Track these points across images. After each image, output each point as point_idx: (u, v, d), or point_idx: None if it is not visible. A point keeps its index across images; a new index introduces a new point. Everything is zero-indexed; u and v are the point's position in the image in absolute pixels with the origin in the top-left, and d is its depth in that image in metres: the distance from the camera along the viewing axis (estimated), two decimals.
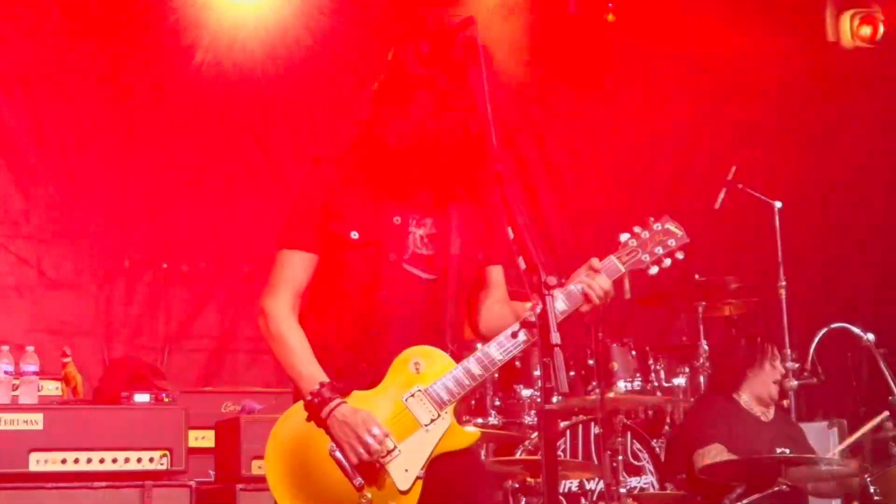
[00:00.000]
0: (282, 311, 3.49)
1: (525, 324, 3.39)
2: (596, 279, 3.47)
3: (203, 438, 6.42)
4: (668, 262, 3.55)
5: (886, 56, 9.18)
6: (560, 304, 3.40)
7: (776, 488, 5.36)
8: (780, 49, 8.95)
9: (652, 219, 3.57)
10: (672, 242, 3.56)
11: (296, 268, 3.52)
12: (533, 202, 8.51)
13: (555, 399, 3.22)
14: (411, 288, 3.48)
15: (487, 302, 3.69)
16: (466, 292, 3.60)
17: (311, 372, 3.43)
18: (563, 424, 6.53)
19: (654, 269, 3.56)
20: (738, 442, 5.90)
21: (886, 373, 6.01)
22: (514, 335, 3.43)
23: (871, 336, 6.03)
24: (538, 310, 3.12)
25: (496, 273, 3.68)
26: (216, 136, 7.84)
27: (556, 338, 3.12)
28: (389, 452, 3.39)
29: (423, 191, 3.55)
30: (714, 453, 5.90)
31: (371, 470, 3.39)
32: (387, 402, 3.41)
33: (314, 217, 3.50)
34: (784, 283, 7.08)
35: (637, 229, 3.56)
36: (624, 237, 3.55)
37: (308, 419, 3.41)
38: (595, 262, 3.51)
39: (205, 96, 7.71)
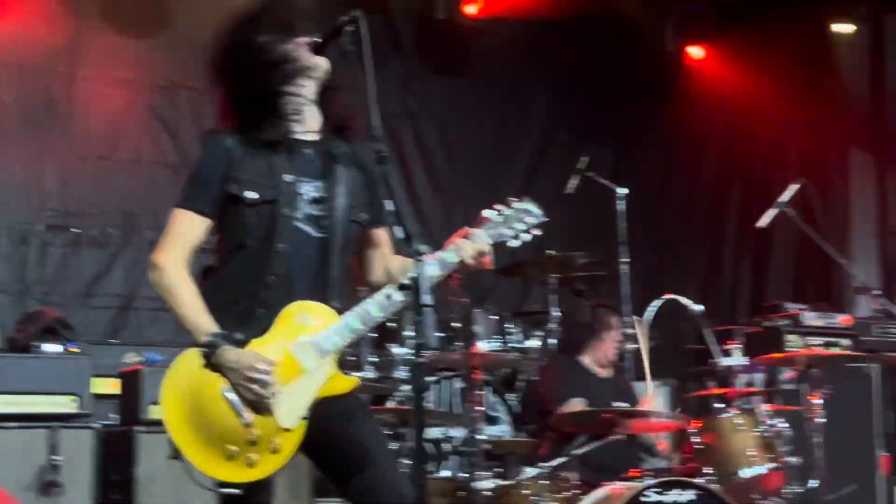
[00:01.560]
0: (172, 265, 3.44)
1: (401, 287, 3.40)
2: (469, 242, 3.50)
3: (108, 386, 6.33)
4: (527, 237, 3.59)
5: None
6: (433, 269, 3.41)
7: (613, 437, 5.49)
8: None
9: (513, 199, 3.61)
10: (531, 220, 3.60)
11: (187, 227, 3.47)
12: (408, 183, 8.52)
13: (424, 354, 3.23)
14: (303, 244, 3.46)
15: (374, 259, 3.69)
16: (352, 251, 3.59)
17: (202, 322, 3.39)
18: (430, 379, 6.57)
19: (514, 243, 3.59)
20: (581, 397, 6.01)
21: (710, 339, 6.16)
22: (391, 297, 3.44)
23: (698, 307, 6.16)
24: (413, 274, 3.15)
25: (381, 234, 3.67)
26: (127, 112, 7.75)
27: (427, 299, 3.14)
28: (276, 394, 3.37)
29: (313, 158, 3.53)
30: (574, 406, 5.98)
31: (259, 409, 3.37)
32: (274, 349, 3.40)
33: (210, 182, 3.47)
34: (625, 260, 7.18)
35: (500, 207, 3.59)
36: (489, 213, 3.57)
37: (201, 365, 3.38)
38: (469, 230, 3.55)
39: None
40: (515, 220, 3.57)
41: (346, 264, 3.55)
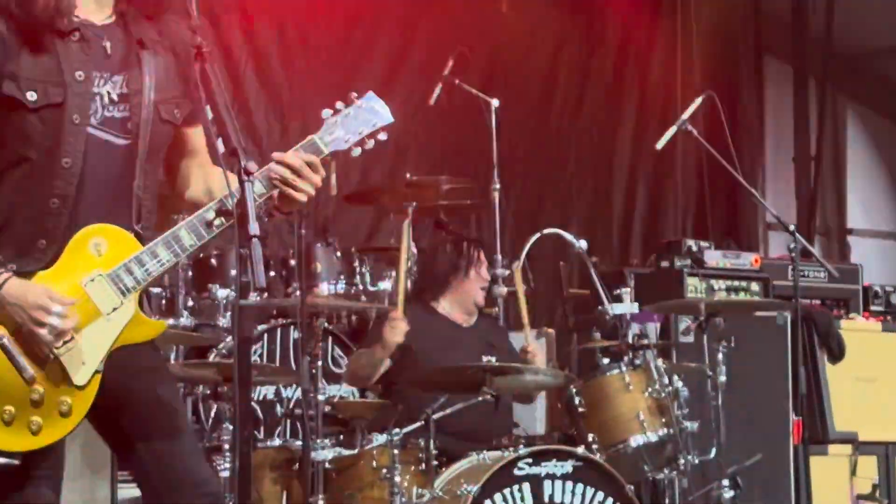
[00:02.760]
0: None
1: (222, 212, 3.35)
2: (287, 156, 3.43)
3: None
4: (370, 143, 3.55)
5: None
6: (258, 186, 3.36)
7: (480, 398, 5.52)
8: None
9: (354, 94, 3.56)
10: (376, 122, 3.56)
11: None
12: (236, 84, 8.39)
13: (252, 296, 3.19)
14: (99, 155, 3.35)
15: (189, 171, 3.61)
16: (160, 158, 3.51)
17: None
18: (260, 328, 6.53)
19: (356, 151, 3.55)
20: (439, 351, 6.02)
21: (597, 282, 6.21)
22: (210, 224, 3.37)
23: (583, 243, 6.22)
24: (237, 197, 3.11)
25: (196, 137, 3.59)
26: None
27: (254, 228, 3.10)
28: (66, 343, 3.30)
29: (113, 46, 3.43)
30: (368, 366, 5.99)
31: (44, 361, 3.28)
32: (64, 286, 3.31)
33: None
34: (498, 186, 7.21)
35: (340, 105, 3.54)
36: (325, 113, 3.52)
37: None
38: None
39: None
40: (358, 123, 3.53)
41: (153, 178, 3.47)
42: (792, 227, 6.44)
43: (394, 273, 6.83)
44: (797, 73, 10.28)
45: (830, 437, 6.95)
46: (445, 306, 6.28)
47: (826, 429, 6.95)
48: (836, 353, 7.02)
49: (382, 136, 3.57)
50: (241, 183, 3.14)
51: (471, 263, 6.28)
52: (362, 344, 6.13)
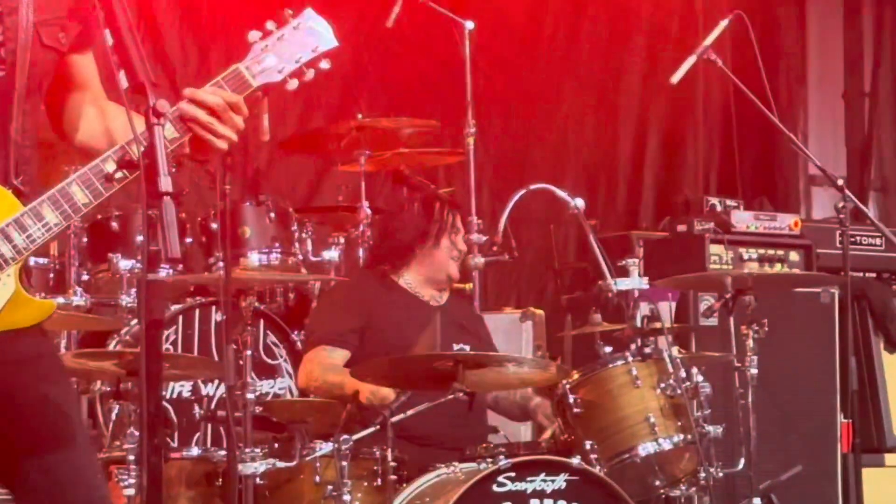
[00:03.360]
0: None
1: (124, 162, 3.34)
2: (203, 93, 3.43)
3: None
4: (310, 74, 3.55)
5: None
6: (169, 130, 3.35)
7: (450, 395, 5.53)
8: None
9: (290, 12, 3.55)
10: (317, 47, 3.55)
11: None
12: (145, 5, 8.35)
13: (162, 269, 3.20)
14: None
15: (81, 110, 3.59)
16: (42, 94, 3.50)
17: None
18: (173, 309, 6.54)
19: (293, 84, 3.55)
20: (399, 336, 6.04)
21: (596, 250, 6.23)
22: (109, 178, 3.37)
23: (579, 202, 6.23)
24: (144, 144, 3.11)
25: (87, 65, 3.58)
26: None
27: (166, 184, 3.10)
28: None
29: None
30: (326, 364, 6.02)
31: None
32: None
33: None
34: (474, 130, 7.22)
35: (271, 26, 3.53)
36: (253, 36, 3.51)
37: None
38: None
39: None
40: (294, 48, 3.53)
41: (34, 119, 3.46)
42: (840, 182, 6.47)
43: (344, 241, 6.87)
44: None
45: (888, 444, 7.01)
46: (409, 280, 6.31)
47: (882, 434, 7.01)
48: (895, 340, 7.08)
49: (325, 65, 3.57)
50: (150, 127, 3.15)
51: (444, 229, 6.31)
52: (349, 361, 6.09)
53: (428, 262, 6.29)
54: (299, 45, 3.54)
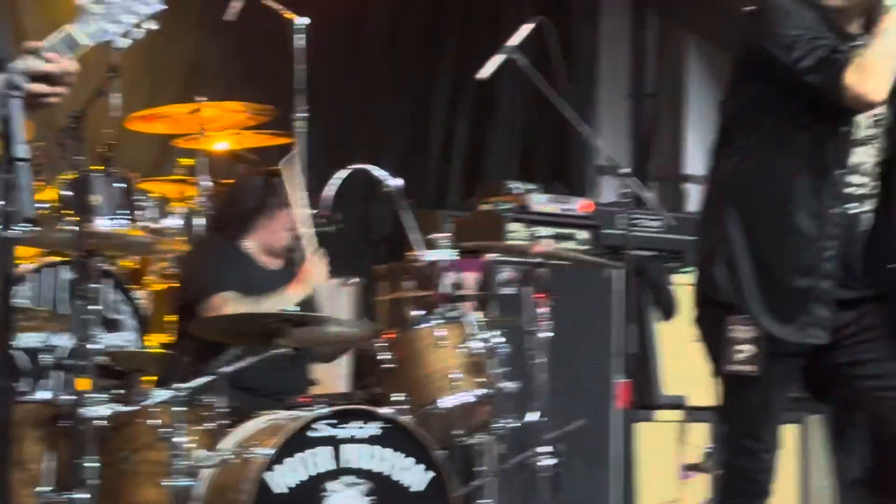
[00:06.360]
0: None
1: None
2: (38, 67, 3.33)
3: None
4: (138, 33, 3.47)
5: None
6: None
7: (276, 351, 5.51)
8: None
9: None
10: (143, 9, 3.48)
11: None
12: None
13: (14, 229, 3.11)
14: None
15: None
16: None
17: None
18: (21, 266, 6.40)
19: (122, 42, 3.46)
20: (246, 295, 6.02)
21: (410, 227, 6.24)
22: None
23: (396, 182, 6.23)
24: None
25: None
26: None
27: (20, 150, 3.03)
28: None
29: None
30: (231, 304, 5.96)
31: None
32: None
33: None
34: (304, 115, 7.16)
35: None
36: (84, 0, 3.42)
37: None
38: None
39: None
40: (121, 11, 3.44)
41: None
42: (624, 171, 6.53)
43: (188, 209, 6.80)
44: (636, 3, 10.41)
45: (658, 401, 7.11)
46: (251, 245, 6.27)
47: (654, 393, 7.10)
48: (668, 310, 7.16)
49: (152, 25, 3.49)
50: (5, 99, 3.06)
51: (279, 201, 6.28)
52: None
53: (268, 230, 6.28)
54: (126, 9, 3.46)
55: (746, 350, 4.45)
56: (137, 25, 3.46)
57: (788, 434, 6.75)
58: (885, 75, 4.26)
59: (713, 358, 4.60)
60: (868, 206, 4.54)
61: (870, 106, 4.32)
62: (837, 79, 4.24)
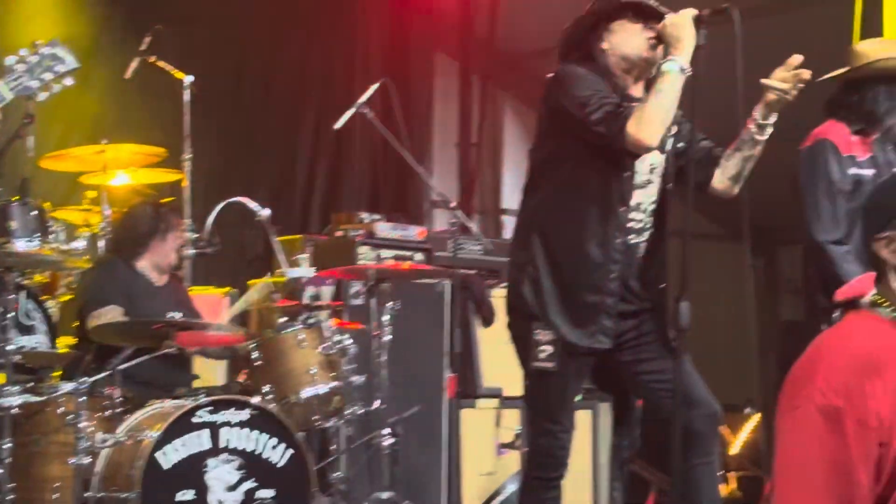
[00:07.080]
0: None
1: None
2: None
3: None
4: (57, 87, 3.43)
5: None
6: None
7: (165, 350, 5.47)
8: None
9: (39, 42, 3.42)
10: (60, 68, 3.44)
11: None
12: None
13: None
14: None
15: None
16: None
17: None
18: None
19: (42, 96, 3.42)
20: (135, 306, 5.95)
21: (276, 247, 6.24)
22: None
23: (266, 212, 6.20)
24: None
25: None
26: None
27: None
28: None
29: None
30: (110, 315, 5.90)
31: None
32: None
33: None
34: (190, 156, 7.10)
35: (24, 52, 3.40)
36: (10, 60, 3.37)
37: None
38: None
39: None
40: (43, 70, 3.40)
41: None
42: (453, 205, 6.55)
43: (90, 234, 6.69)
44: (463, 68, 10.50)
45: (479, 392, 7.14)
46: (144, 265, 6.20)
47: (476, 384, 7.13)
48: (488, 318, 7.21)
49: (68, 81, 3.45)
50: None
51: (169, 227, 6.23)
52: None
53: (158, 251, 6.21)
54: (46, 67, 3.41)
55: (547, 350, 4.50)
56: (56, 81, 3.41)
57: (582, 418, 6.83)
58: (659, 125, 4.32)
59: (522, 356, 4.64)
60: (644, 237, 4.63)
61: (647, 150, 4.38)
62: (621, 128, 4.30)
